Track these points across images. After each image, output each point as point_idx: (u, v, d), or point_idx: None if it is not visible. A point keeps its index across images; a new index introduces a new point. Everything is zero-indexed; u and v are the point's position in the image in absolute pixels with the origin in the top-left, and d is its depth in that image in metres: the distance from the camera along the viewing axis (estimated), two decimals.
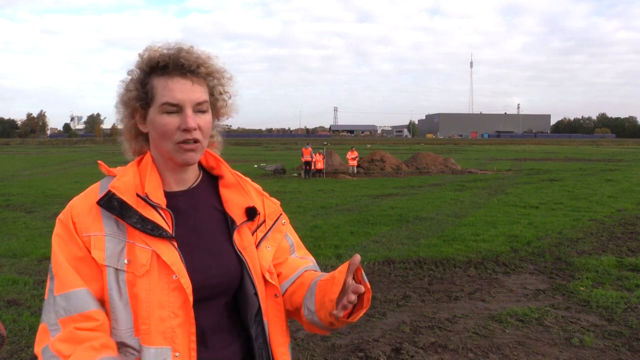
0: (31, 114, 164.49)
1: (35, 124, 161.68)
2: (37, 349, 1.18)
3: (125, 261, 1.20)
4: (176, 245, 1.24)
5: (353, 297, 1.19)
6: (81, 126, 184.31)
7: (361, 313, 1.26)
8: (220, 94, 1.34)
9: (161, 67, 1.25)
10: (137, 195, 1.25)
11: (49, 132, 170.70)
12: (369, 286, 1.24)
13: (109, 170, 1.32)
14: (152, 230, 1.21)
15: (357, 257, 1.19)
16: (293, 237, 1.48)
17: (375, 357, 4.15)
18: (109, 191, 1.23)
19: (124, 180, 1.26)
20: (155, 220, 1.23)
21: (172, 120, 1.24)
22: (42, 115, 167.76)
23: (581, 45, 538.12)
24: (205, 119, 1.28)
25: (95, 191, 1.28)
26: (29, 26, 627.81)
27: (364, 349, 4.28)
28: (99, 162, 1.35)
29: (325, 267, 6.79)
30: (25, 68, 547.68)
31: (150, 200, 1.25)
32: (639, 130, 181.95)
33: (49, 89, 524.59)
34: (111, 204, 1.22)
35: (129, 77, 1.30)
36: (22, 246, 8.20)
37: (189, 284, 1.21)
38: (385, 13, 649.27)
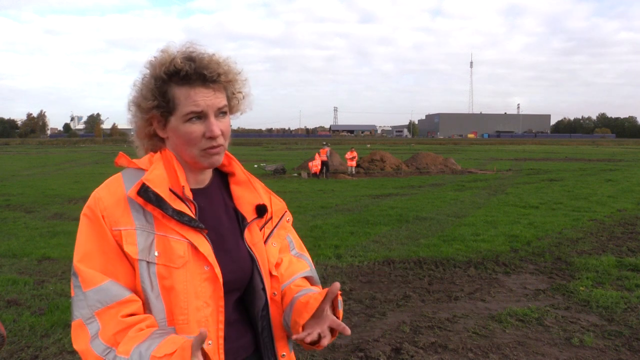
0: (31, 114, 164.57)
1: (35, 124, 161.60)
2: (80, 346, 1.18)
3: (156, 253, 1.21)
4: (207, 237, 1.27)
5: (314, 336, 1.25)
6: (81, 126, 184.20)
7: (329, 341, 1.30)
8: (238, 92, 1.37)
9: (182, 77, 1.26)
10: (169, 189, 1.27)
11: (49, 132, 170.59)
12: (340, 313, 1.33)
13: (131, 162, 1.33)
14: (189, 221, 1.24)
15: (336, 286, 1.24)
16: (293, 236, 1.52)
17: (375, 357, 4.15)
18: (144, 184, 1.24)
19: (157, 174, 1.27)
20: (188, 212, 1.25)
21: (197, 128, 1.27)
22: (42, 115, 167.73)
23: (582, 46, 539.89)
24: (226, 121, 1.32)
25: (119, 183, 1.28)
26: (33, 27, 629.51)
27: (364, 349, 4.28)
28: (120, 153, 1.36)
29: (325, 267, 6.79)
30: (28, 68, 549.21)
31: (184, 194, 1.28)
32: (639, 130, 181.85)
33: (51, 89, 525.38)
34: (148, 196, 1.23)
35: (144, 82, 1.29)
36: (22, 246, 8.19)
37: (220, 273, 1.25)
38: (388, 14, 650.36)
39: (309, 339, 1.24)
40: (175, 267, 1.21)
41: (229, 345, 1.30)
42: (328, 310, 1.28)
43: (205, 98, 1.26)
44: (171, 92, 1.26)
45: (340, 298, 1.33)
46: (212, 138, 1.27)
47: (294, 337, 1.27)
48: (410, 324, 4.87)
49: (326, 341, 1.27)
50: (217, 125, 1.28)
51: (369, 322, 4.93)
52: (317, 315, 1.27)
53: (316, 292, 1.31)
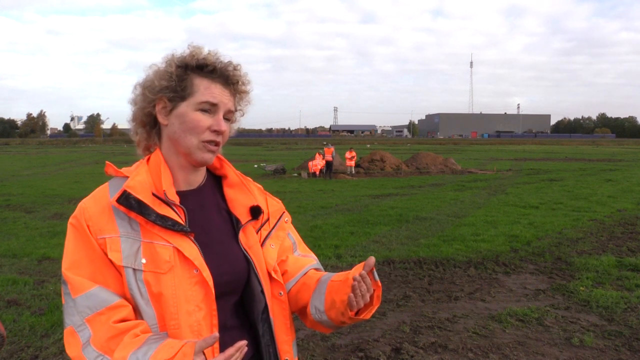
0: (31, 114, 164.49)
1: (35, 124, 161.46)
2: (72, 353, 1.19)
3: (143, 261, 1.22)
4: (194, 240, 1.27)
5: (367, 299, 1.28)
6: (81, 126, 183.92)
7: (372, 311, 1.33)
8: (239, 109, 1.41)
9: (208, 70, 1.31)
10: (152, 194, 1.27)
11: (49, 132, 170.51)
12: (379, 284, 1.32)
13: (118, 171, 1.34)
14: (172, 226, 1.24)
15: (372, 259, 1.28)
16: (295, 235, 1.52)
17: (375, 357, 4.15)
18: (125, 191, 1.24)
19: (139, 180, 1.28)
20: (172, 217, 1.25)
21: (205, 118, 1.30)
22: (42, 115, 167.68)
23: (582, 46, 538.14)
24: (227, 126, 1.35)
25: (105, 192, 1.29)
26: (35, 27, 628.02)
27: (364, 349, 4.29)
28: (107, 162, 1.36)
29: (325, 267, 6.75)
30: (29, 68, 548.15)
31: (167, 198, 1.27)
32: (639, 130, 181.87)
33: (52, 89, 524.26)
34: (129, 203, 1.23)
35: (163, 66, 1.32)
36: (22, 246, 8.19)
37: (210, 276, 1.25)
38: (389, 14, 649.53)
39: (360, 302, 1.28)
40: (162, 272, 1.21)
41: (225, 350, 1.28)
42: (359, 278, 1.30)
43: (223, 95, 1.32)
44: (191, 80, 1.30)
45: (374, 270, 1.32)
46: (217, 132, 1.30)
47: (350, 296, 1.28)
48: (410, 324, 4.87)
49: (369, 309, 1.33)
50: (224, 123, 1.32)
51: (369, 322, 4.93)
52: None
53: (352, 269, 1.33)
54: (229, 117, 1.35)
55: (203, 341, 1.15)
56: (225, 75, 1.32)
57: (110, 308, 1.19)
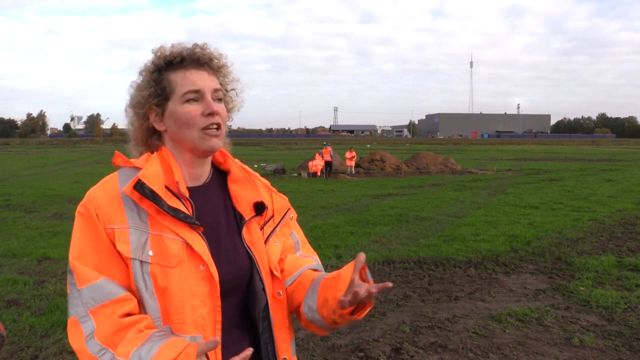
0: (31, 114, 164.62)
1: (35, 124, 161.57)
2: (75, 344, 1.19)
3: (150, 253, 1.21)
4: (202, 235, 1.26)
5: (363, 293, 1.19)
6: (81, 126, 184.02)
7: (365, 311, 1.29)
8: (230, 90, 1.40)
9: (177, 62, 1.31)
10: (165, 186, 1.27)
11: (49, 132, 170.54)
12: (372, 284, 1.28)
13: (127, 161, 1.33)
14: (184, 218, 1.23)
15: (363, 256, 1.24)
16: (298, 234, 1.50)
17: (375, 357, 4.15)
18: (140, 179, 1.24)
19: (154, 170, 1.27)
20: (183, 210, 1.25)
21: (195, 108, 1.29)
22: (42, 115, 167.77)
23: (582, 46, 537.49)
24: (222, 106, 1.33)
25: (114, 182, 1.28)
26: (35, 27, 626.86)
27: (364, 349, 4.29)
28: (117, 152, 1.36)
29: (325, 267, 6.73)
30: (29, 68, 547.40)
31: (179, 191, 1.27)
32: (639, 130, 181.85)
33: (52, 89, 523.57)
34: (144, 192, 1.23)
35: (140, 78, 1.33)
36: (22, 246, 8.19)
37: (216, 272, 1.24)
38: (389, 14, 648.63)
39: (362, 292, 1.19)
40: (169, 266, 1.21)
41: (226, 350, 1.27)
42: (359, 281, 1.23)
43: (201, 78, 1.31)
44: (167, 79, 1.30)
45: (367, 269, 1.27)
46: (211, 115, 1.29)
47: (342, 298, 1.21)
48: (410, 324, 4.87)
49: (363, 309, 1.26)
50: (215, 104, 1.30)
51: (369, 322, 4.93)
52: (349, 288, 1.24)
53: (342, 268, 1.30)
54: (219, 96, 1.33)
55: (205, 344, 1.15)
56: (194, 59, 1.31)
57: (116, 301, 1.19)
